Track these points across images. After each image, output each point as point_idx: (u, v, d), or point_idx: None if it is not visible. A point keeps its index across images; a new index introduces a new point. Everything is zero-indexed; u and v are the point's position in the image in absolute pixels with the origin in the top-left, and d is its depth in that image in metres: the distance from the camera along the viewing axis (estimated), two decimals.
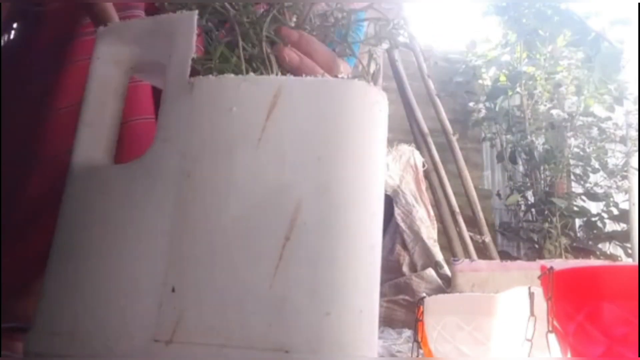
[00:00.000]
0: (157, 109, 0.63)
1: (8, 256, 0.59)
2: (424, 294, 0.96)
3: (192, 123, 0.39)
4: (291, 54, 0.44)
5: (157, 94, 0.62)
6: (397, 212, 2.33)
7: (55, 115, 0.60)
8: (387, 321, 2.01)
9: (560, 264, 0.81)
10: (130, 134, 0.58)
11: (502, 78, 3.41)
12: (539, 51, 3.22)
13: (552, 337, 0.61)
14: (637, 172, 2.94)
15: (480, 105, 3.45)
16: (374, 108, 0.40)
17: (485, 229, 2.80)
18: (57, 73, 0.61)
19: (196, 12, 0.42)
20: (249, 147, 0.37)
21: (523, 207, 3.26)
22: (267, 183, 0.37)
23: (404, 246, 2.33)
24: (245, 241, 0.36)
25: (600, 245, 3.05)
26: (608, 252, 3.02)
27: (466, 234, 2.65)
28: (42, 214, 0.59)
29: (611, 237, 3.04)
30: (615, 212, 3.05)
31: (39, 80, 0.62)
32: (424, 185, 2.49)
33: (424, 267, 2.26)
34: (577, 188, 3.22)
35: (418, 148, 2.65)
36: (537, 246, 3.04)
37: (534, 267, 1.75)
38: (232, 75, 0.40)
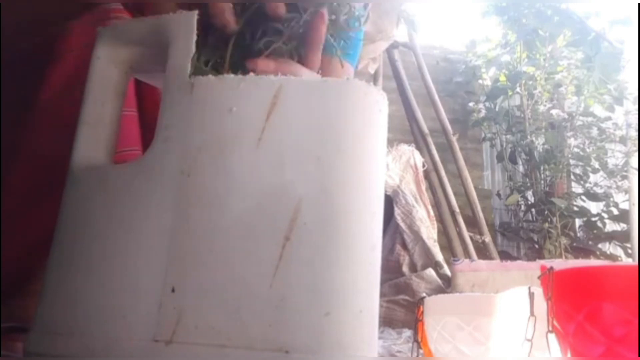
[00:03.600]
0: (141, 103, 0.63)
1: None
2: (424, 294, 0.96)
3: (192, 123, 0.39)
4: (266, 63, 0.44)
5: (145, 91, 0.62)
6: (397, 212, 2.32)
7: (38, 107, 0.60)
8: (387, 321, 2.01)
9: (560, 264, 0.81)
10: None
11: (502, 78, 3.40)
12: (539, 51, 3.22)
13: (552, 337, 0.61)
14: (637, 172, 2.93)
15: (480, 105, 3.45)
16: (374, 108, 0.40)
17: (485, 229, 2.80)
18: (42, 68, 0.60)
19: (196, 12, 0.42)
20: (249, 147, 0.37)
21: (523, 207, 3.26)
22: (267, 183, 0.37)
23: (404, 246, 2.33)
24: (245, 241, 0.36)
25: (600, 245, 3.05)
26: (608, 252, 3.02)
27: (466, 234, 2.65)
28: (28, 208, 0.59)
29: (611, 237, 3.04)
30: (615, 212, 3.05)
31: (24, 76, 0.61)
32: (424, 185, 2.48)
33: (424, 267, 2.26)
34: (577, 188, 3.22)
35: (418, 148, 2.65)
36: (537, 246, 3.04)
37: (534, 267, 1.75)
38: (232, 75, 0.40)
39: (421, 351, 0.87)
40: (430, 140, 2.79)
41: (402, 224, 2.32)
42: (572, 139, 3.08)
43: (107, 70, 0.46)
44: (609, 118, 3.15)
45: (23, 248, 0.59)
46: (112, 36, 0.46)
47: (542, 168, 3.15)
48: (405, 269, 2.29)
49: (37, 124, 0.60)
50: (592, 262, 2.37)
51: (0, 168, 0.59)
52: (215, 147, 0.38)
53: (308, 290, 0.35)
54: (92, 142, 0.44)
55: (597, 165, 3.10)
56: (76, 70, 0.58)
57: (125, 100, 0.61)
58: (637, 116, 2.95)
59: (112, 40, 0.46)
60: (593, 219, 3.07)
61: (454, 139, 2.91)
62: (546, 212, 3.02)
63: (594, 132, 3.14)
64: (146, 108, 0.63)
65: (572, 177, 3.20)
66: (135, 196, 0.39)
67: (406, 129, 2.85)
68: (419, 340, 0.86)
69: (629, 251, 2.95)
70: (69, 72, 0.58)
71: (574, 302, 0.59)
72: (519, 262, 2.08)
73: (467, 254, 2.57)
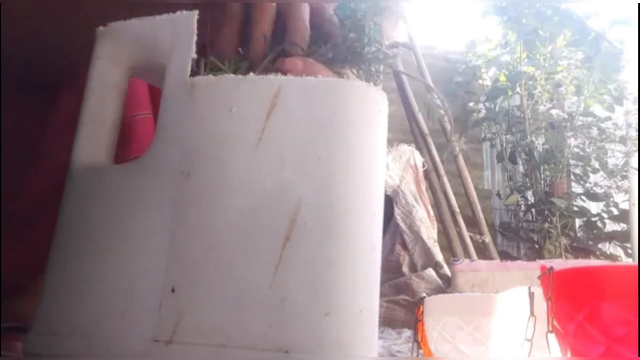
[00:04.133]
0: (156, 108, 0.63)
1: (9, 255, 0.59)
2: (424, 294, 0.96)
3: (192, 123, 0.39)
4: (294, 62, 0.44)
5: (156, 93, 0.62)
6: (397, 212, 2.33)
7: (56, 118, 0.60)
8: (387, 321, 2.01)
9: (560, 264, 0.81)
10: (127, 131, 0.58)
11: (502, 78, 3.41)
12: (539, 51, 3.22)
13: (552, 337, 0.61)
14: (637, 172, 2.94)
15: (480, 105, 3.45)
16: (374, 108, 0.40)
17: (485, 229, 2.80)
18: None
19: (196, 12, 0.42)
20: (249, 147, 0.37)
21: (523, 207, 3.26)
22: (267, 183, 0.37)
23: (404, 246, 2.33)
24: (245, 241, 0.36)
25: (600, 245, 3.05)
26: (608, 252, 3.02)
27: (466, 234, 2.65)
28: (44, 212, 0.59)
29: (611, 237, 3.04)
30: (615, 212, 3.05)
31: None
32: (424, 185, 2.49)
33: (424, 267, 2.26)
34: (577, 188, 3.22)
35: (418, 148, 2.65)
36: (537, 246, 3.04)
37: (534, 267, 1.75)
38: (232, 75, 0.40)
39: (421, 351, 0.87)
40: (430, 140, 2.79)
41: (402, 224, 2.32)
42: (572, 139, 3.08)
43: (107, 70, 0.46)
44: (609, 118, 3.15)
45: (37, 251, 0.59)
46: (112, 36, 0.46)
47: (542, 168, 3.16)
48: (405, 269, 2.29)
49: (56, 130, 0.60)
50: (592, 262, 2.38)
51: (16, 173, 0.60)
52: (215, 147, 0.38)
53: (308, 290, 0.35)
54: (92, 142, 0.44)
55: (597, 165, 3.10)
56: None
57: (139, 104, 0.61)
58: (637, 116, 2.95)
59: (112, 40, 0.46)
60: (593, 219, 3.07)
61: (454, 139, 2.91)
62: (546, 212, 3.02)
63: (594, 132, 3.14)
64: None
65: (572, 177, 3.20)
66: (135, 196, 0.39)
67: (406, 129, 2.85)
68: (419, 340, 0.86)
69: (629, 251, 2.95)
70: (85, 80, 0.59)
71: (574, 302, 0.59)
72: (519, 262, 2.08)
73: (467, 254, 2.57)
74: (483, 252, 2.70)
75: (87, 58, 0.46)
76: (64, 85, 0.60)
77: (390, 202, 2.31)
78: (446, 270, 2.23)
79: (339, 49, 0.46)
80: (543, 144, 3.16)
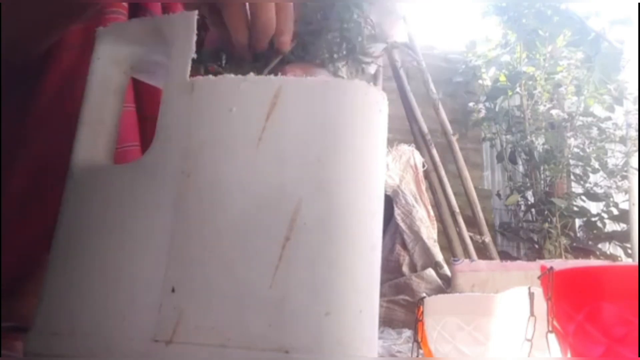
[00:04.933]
0: (138, 97, 0.63)
1: None
2: (424, 294, 0.96)
3: (192, 123, 0.39)
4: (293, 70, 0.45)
5: (141, 86, 0.62)
6: (397, 212, 2.32)
7: (36, 109, 0.60)
8: (387, 321, 2.01)
9: (560, 264, 0.81)
10: None
11: (502, 78, 3.40)
12: (539, 51, 3.22)
13: (552, 337, 0.61)
14: (637, 172, 2.93)
15: (480, 105, 3.44)
16: (374, 108, 0.40)
17: (485, 229, 2.80)
18: (40, 68, 0.60)
19: (196, 12, 0.42)
20: (249, 147, 0.37)
21: (523, 207, 3.26)
22: (267, 183, 0.37)
23: (404, 246, 2.33)
24: (245, 241, 0.36)
25: (600, 245, 3.05)
26: (608, 252, 3.02)
27: (466, 234, 2.65)
28: (27, 210, 0.59)
29: (611, 237, 3.04)
30: (615, 212, 3.05)
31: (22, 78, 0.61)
32: (424, 185, 2.48)
33: (424, 267, 2.26)
34: (577, 188, 3.22)
35: (418, 148, 2.65)
36: (537, 246, 3.04)
37: (534, 267, 1.75)
38: (232, 75, 0.40)
39: (421, 351, 0.87)
40: (430, 140, 2.79)
41: (402, 224, 2.32)
42: (572, 139, 3.08)
43: (107, 70, 0.46)
44: (609, 118, 3.15)
45: (24, 247, 0.59)
46: (112, 36, 0.46)
47: (542, 168, 3.15)
48: (405, 269, 2.29)
49: (36, 122, 0.60)
50: (592, 262, 2.38)
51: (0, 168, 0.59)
52: (215, 147, 0.38)
53: (308, 290, 0.35)
54: (92, 142, 0.44)
55: (597, 165, 3.10)
56: (73, 68, 0.58)
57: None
58: (637, 116, 2.95)
59: (112, 40, 0.46)
60: (593, 219, 3.07)
61: (454, 139, 2.91)
62: (546, 212, 3.02)
63: (594, 132, 3.14)
64: (143, 102, 0.63)
65: (572, 177, 3.20)
66: (135, 196, 0.39)
67: (406, 129, 2.85)
68: (419, 340, 0.86)
69: (629, 251, 2.95)
70: (65, 70, 0.58)
71: (574, 302, 0.58)
72: (519, 262, 2.08)
73: (467, 254, 2.57)
74: (483, 252, 2.70)
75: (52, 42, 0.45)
76: (38, 79, 0.59)
77: (390, 202, 2.31)
78: (446, 270, 2.23)
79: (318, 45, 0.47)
80: (543, 144, 3.16)
